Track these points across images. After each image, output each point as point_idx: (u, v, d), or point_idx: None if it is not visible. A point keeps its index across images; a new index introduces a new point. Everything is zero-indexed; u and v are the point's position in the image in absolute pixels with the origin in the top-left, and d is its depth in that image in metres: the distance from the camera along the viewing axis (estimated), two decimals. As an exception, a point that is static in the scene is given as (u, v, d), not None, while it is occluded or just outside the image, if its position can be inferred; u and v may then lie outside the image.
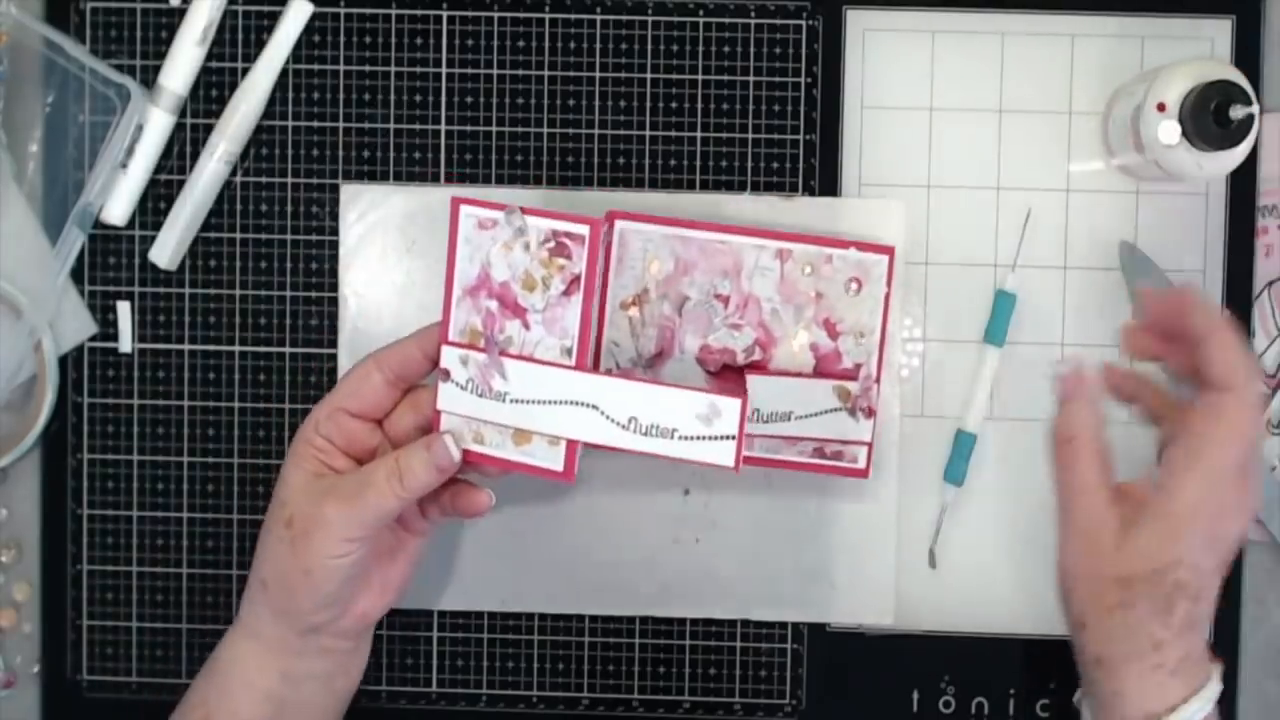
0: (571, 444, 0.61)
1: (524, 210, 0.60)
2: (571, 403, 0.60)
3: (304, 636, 0.62)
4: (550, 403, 0.61)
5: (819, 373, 0.68)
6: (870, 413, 0.68)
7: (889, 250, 0.67)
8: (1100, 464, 0.58)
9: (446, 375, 0.62)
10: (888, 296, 0.68)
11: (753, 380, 0.67)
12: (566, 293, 0.60)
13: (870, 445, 0.68)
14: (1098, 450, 0.58)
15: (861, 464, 0.69)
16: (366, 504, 0.59)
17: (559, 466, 0.61)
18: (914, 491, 0.74)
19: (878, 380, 0.68)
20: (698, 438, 0.60)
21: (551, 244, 0.60)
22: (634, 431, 0.61)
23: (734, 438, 0.60)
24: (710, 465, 0.60)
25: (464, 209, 0.61)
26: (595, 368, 0.66)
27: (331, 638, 0.63)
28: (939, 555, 0.74)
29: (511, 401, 0.61)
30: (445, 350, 0.62)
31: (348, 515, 0.59)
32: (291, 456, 0.62)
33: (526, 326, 0.61)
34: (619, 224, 0.68)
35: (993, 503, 0.74)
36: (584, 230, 0.60)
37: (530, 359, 0.61)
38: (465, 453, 0.62)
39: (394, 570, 0.65)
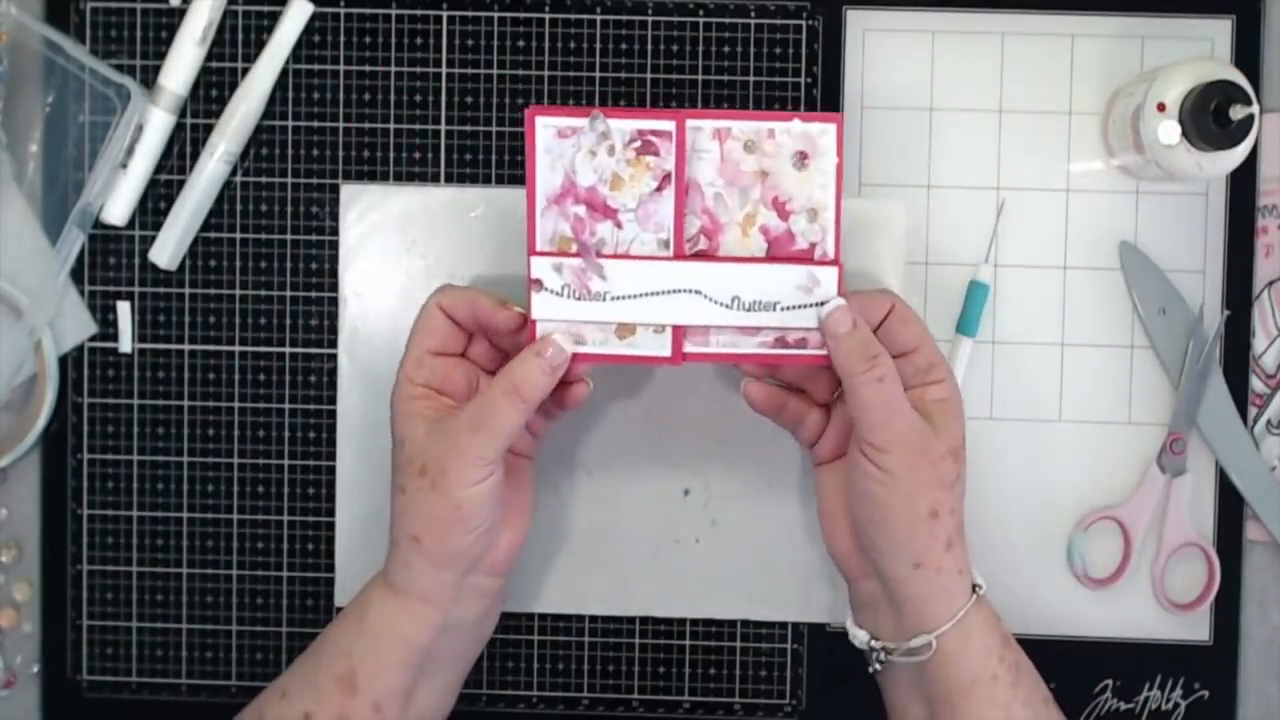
0: (678, 329, 0.63)
1: (605, 113, 0.61)
2: (674, 291, 0.62)
3: (464, 579, 0.64)
4: (652, 294, 0.63)
5: (772, 257, 0.64)
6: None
7: (836, 119, 0.63)
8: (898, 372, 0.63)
9: (539, 285, 0.63)
10: (839, 168, 0.63)
11: (711, 268, 0.64)
12: (659, 189, 0.62)
13: None
14: (892, 361, 0.63)
15: (825, 349, 0.64)
16: (492, 426, 0.61)
17: (666, 352, 0.64)
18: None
19: (836, 260, 0.63)
20: (799, 306, 0.63)
21: (638, 144, 0.61)
22: (737, 309, 0.63)
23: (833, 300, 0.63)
24: (812, 330, 0.63)
25: (540, 120, 0.62)
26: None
27: (486, 575, 0.65)
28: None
29: (612, 299, 0.63)
30: (535, 261, 0.63)
31: (479, 440, 0.61)
32: (399, 416, 0.63)
33: (619, 225, 0.62)
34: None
35: (985, 500, 0.74)
36: (670, 126, 0.61)
37: (628, 256, 0.62)
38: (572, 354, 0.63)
39: (520, 496, 0.67)
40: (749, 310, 0.63)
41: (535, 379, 0.62)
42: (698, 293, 0.63)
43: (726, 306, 0.63)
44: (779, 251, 0.64)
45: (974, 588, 0.64)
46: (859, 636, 0.67)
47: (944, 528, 0.63)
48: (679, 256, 0.63)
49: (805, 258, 0.63)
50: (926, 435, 0.63)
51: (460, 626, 0.65)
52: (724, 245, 0.64)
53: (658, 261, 0.62)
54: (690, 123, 0.62)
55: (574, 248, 0.63)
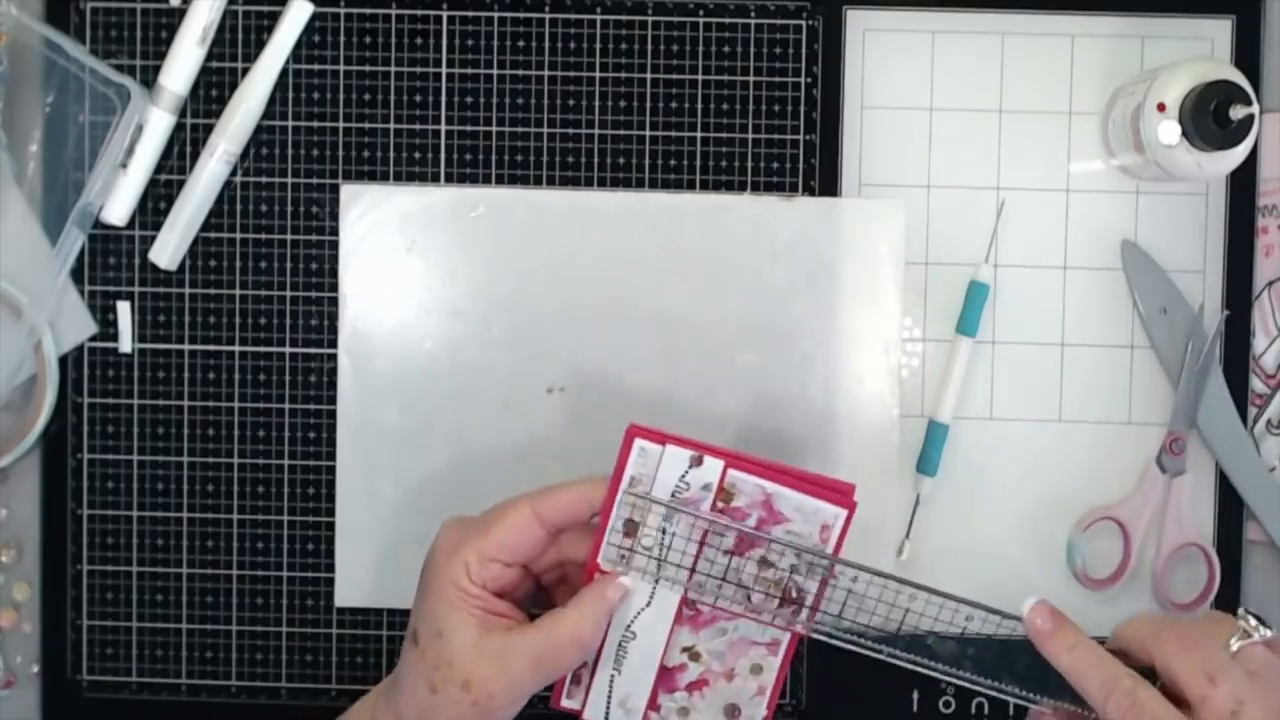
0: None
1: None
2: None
3: None
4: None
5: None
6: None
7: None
8: None
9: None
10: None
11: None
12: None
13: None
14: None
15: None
16: (555, 669, 0.61)
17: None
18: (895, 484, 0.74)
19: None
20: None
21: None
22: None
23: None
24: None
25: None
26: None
27: None
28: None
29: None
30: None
31: (538, 678, 0.60)
32: (444, 603, 0.60)
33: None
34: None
35: (985, 500, 0.74)
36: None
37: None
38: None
39: None
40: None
41: (601, 623, 0.61)
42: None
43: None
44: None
45: None
46: None
47: None
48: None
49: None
50: None
51: None
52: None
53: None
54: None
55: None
